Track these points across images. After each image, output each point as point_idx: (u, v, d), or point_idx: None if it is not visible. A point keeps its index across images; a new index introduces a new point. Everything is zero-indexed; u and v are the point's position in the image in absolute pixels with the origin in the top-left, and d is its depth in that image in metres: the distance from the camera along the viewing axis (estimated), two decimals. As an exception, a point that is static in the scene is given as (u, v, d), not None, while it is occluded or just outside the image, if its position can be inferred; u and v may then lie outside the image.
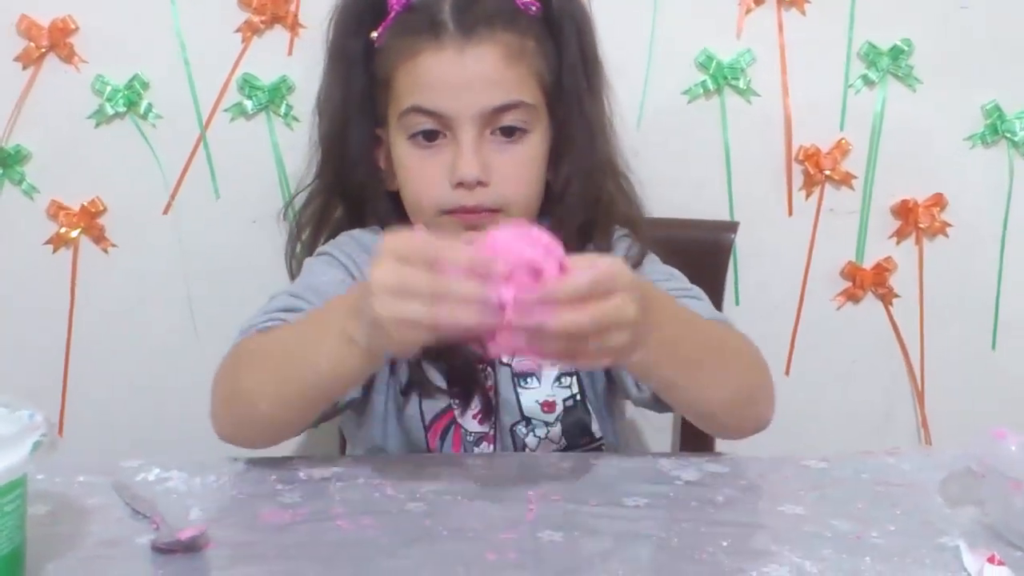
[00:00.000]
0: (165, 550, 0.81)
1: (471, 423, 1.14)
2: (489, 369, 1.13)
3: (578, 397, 1.14)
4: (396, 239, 0.82)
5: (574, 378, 1.14)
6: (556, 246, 0.81)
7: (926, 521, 0.87)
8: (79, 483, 0.92)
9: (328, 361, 0.90)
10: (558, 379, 1.14)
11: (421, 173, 1.09)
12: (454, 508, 0.89)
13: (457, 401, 1.12)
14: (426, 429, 1.13)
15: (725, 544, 0.83)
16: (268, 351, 0.97)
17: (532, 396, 1.14)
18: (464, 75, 1.05)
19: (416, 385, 1.11)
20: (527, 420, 1.15)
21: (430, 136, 1.08)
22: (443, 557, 0.81)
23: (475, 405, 1.13)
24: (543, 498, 0.91)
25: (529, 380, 1.14)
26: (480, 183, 1.06)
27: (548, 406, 1.14)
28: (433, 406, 1.13)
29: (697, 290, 1.10)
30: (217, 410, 0.99)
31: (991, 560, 0.78)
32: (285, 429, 1.00)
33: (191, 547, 0.81)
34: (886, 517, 0.88)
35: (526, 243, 0.80)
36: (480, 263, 0.79)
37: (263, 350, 0.98)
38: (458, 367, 1.12)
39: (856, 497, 0.91)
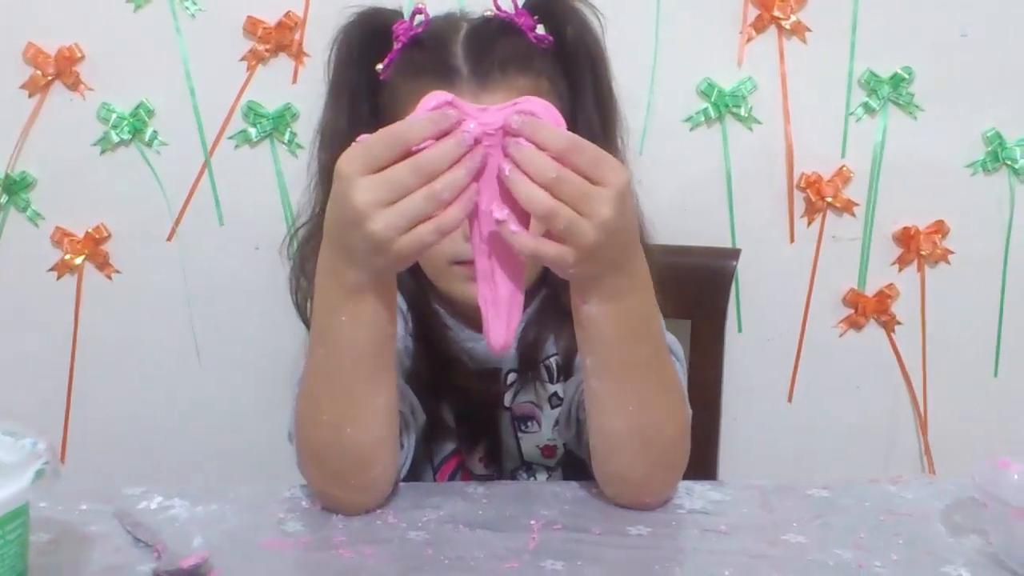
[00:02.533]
0: (167, 578, 0.81)
1: (477, 466, 1.14)
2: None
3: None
4: (348, 158, 0.79)
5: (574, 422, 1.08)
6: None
7: (929, 550, 0.87)
8: (81, 511, 0.92)
9: (351, 327, 0.85)
10: (558, 423, 1.12)
11: None
12: (456, 537, 0.89)
13: (463, 444, 1.12)
14: (435, 471, 1.12)
15: (727, 573, 0.83)
16: (309, 389, 0.91)
17: (532, 441, 1.13)
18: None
19: (429, 423, 1.08)
20: (528, 465, 1.14)
21: None
22: (445, 586, 0.81)
23: (480, 448, 1.13)
24: (545, 527, 0.90)
25: (529, 424, 1.13)
26: None
27: (548, 451, 1.14)
28: (442, 448, 1.12)
29: (680, 362, 1.05)
30: (317, 484, 0.94)
31: (994, 590, 0.78)
32: (381, 450, 0.92)
33: (193, 575, 0.81)
34: (889, 546, 0.87)
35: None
36: (441, 117, 0.78)
37: (306, 394, 0.92)
38: (467, 409, 1.11)
39: (859, 526, 0.91)
